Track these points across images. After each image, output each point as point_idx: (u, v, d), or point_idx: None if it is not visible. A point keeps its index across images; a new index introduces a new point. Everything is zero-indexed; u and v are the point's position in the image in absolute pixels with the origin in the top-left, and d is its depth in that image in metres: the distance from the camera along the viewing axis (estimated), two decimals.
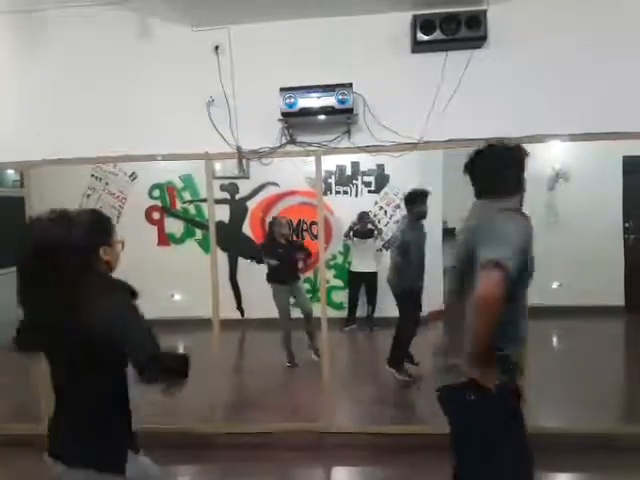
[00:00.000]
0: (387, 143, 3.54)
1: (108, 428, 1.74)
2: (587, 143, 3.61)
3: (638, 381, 4.63)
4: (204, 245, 6.86)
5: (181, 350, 1.77)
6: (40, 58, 3.78)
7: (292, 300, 5.57)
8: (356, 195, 7.04)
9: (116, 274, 1.83)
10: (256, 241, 7.13)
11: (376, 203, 7.00)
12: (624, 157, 6.46)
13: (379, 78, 3.54)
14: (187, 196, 7.15)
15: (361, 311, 6.87)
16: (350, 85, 3.43)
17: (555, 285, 6.62)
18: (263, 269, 6.65)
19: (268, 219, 7.05)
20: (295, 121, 3.55)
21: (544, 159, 6.40)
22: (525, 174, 2.09)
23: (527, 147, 3.46)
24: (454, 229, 6.38)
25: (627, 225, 6.80)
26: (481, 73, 3.46)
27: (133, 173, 6.99)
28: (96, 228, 1.79)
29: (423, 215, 4.76)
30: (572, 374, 4.65)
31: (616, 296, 6.57)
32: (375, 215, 6.91)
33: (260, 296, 6.61)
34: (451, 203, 5.36)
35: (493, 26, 3.39)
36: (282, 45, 3.60)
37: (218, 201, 6.18)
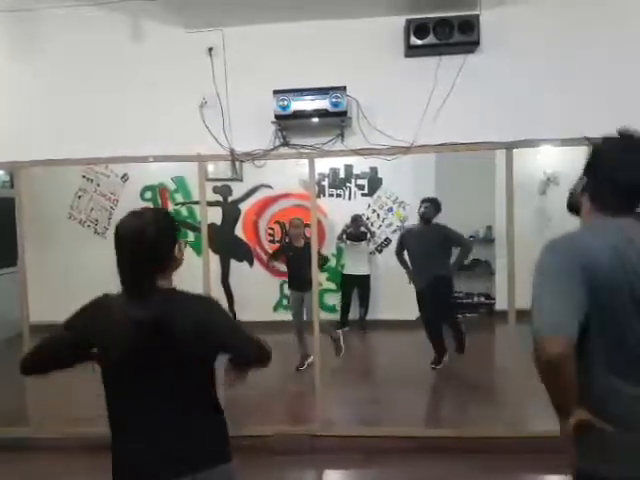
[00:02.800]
0: (380, 146, 3.55)
1: (217, 420, 1.75)
2: (578, 147, 3.63)
3: None
4: (196, 247, 6.82)
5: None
6: (32, 58, 3.76)
7: None
8: (349, 198, 7.04)
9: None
10: (249, 244, 7.12)
11: (369, 206, 7.01)
12: None
13: (373, 81, 3.55)
14: (179, 198, 7.11)
15: (354, 314, 6.87)
16: (344, 88, 3.43)
17: None
18: (255, 272, 6.63)
19: (261, 222, 7.05)
20: (288, 124, 3.55)
21: (535, 164, 6.44)
22: None
23: (518, 152, 3.56)
24: None
25: None
26: (474, 77, 3.47)
27: (125, 174, 6.94)
28: (169, 225, 1.69)
29: (421, 215, 5.22)
30: None
31: None
32: (368, 218, 6.92)
33: (252, 299, 6.62)
34: (443, 207, 5.38)
35: (486, 31, 3.41)
36: (276, 48, 3.60)
37: (210, 203, 6.12)
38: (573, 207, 1.69)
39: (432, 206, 5.19)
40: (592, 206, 1.60)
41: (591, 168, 1.65)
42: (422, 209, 5.21)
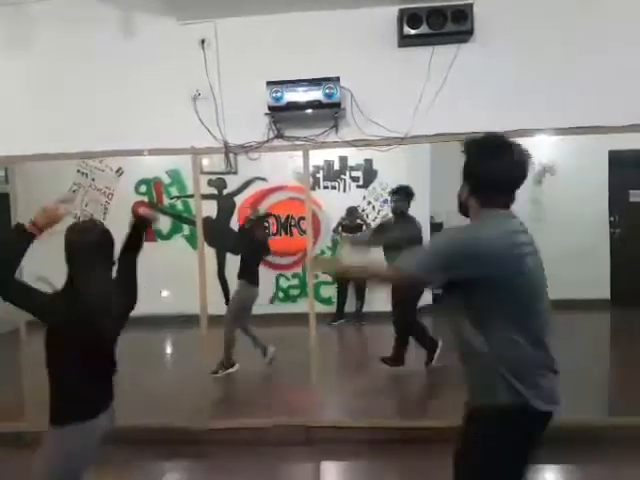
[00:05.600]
0: (374, 137, 3.54)
1: None
2: (573, 137, 3.63)
3: (622, 374, 4.68)
4: (192, 241, 6.82)
5: None
6: (24, 53, 3.72)
7: None
8: (344, 190, 7.04)
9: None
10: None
11: (364, 198, 7.01)
12: (610, 151, 6.51)
13: (366, 72, 3.53)
14: (174, 192, 7.10)
15: (350, 306, 6.88)
16: (337, 79, 3.42)
17: None
18: None
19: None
20: (282, 115, 3.53)
21: (530, 153, 6.44)
22: None
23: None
24: (441, 224, 6.40)
25: (613, 219, 6.87)
26: (467, 67, 3.46)
27: (119, 169, 6.93)
28: None
29: (394, 209, 4.93)
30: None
31: (602, 289, 6.63)
32: (364, 210, 6.91)
33: None
34: (438, 198, 5.37)
35: (479, 20, 3.39)
36: (269, 39, 3.58)
37: (205, 197, 6.14)
38: (462, 210, 1.92)
39: (401, 197, 4.80)
40: (480, 206, 1.82)
41: (472, 174, 1.84)
42: (392, 203, 4.89)
